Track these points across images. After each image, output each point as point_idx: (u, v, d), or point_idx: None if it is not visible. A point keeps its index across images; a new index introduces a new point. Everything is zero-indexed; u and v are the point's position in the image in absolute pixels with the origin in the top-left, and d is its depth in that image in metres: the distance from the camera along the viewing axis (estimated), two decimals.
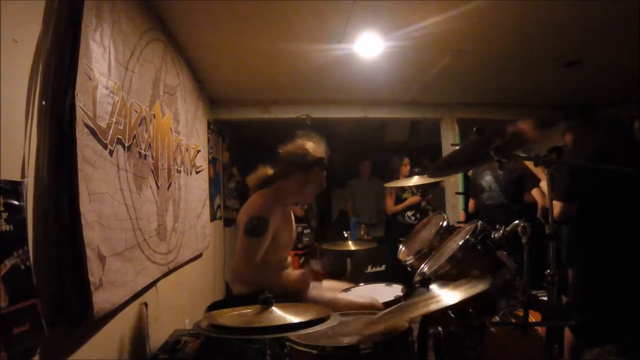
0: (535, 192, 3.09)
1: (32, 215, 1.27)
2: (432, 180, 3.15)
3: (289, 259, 2.35)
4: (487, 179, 3.75)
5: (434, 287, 1.41)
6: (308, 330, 1.29)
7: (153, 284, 2.30)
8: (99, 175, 1.59)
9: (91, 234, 1.49)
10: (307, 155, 2.14)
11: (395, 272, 3.59)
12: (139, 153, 2.05)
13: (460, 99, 4.72)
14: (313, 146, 2.19)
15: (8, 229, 1.10)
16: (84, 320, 1.44)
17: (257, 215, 2.02)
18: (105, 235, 1.62)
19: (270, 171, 2.26)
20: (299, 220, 4.81)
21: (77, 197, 1.40)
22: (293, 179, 2.16)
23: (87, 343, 1.58)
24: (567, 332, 2.43)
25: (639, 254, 2.11)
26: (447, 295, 1.29)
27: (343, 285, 2.54)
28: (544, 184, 2.83)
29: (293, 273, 1.99)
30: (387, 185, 4.26)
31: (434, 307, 1.23)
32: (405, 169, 4.85)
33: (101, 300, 1.53)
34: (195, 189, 3.31)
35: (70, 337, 1.48)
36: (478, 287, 1.22)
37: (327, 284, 2.39)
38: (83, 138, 1.47)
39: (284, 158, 2.18)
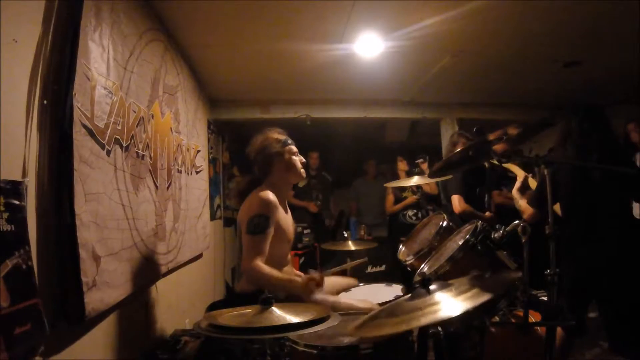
0: (453, 198, 3.30)
1: (34, 215, 1.28)
2: (432, 180, 3.16)
3: (289, 257, 2.36)
4: (440, 185, 4.06)
5: (434, 291, 1.32)
6: (308, 330, 1.29)
7: (151, 283, 2.30)
8: (96, 175, 1.58)
9: (86, 234, 1.48)
10: (272, 142, 2.25)
11: (396, 272, 3.63)
12: (137, 153, 2.05)
13: (460, 99, 4.72)
14: (272, 133, 2.30)
15: (9, 228, 1.10)
16: (82, 320, 1.44)
17: (257, 213, 2.04)
18: (101, 235, 1.62)
19: (249, 178, 2.31)
20: (299, 220, 4.83)
21: (73, 198, 1.40)
22: (275, 168, 2.23)
23: (85, 342, 1.58)
24: (559, 332, 2.43)
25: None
26: (446, 305, 1.19)
27: (343, 280, 2.54)
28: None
29: (297, 281, 2.01)
30: (387, 185, 4.26)
31: (430, 318, 1.17)
32: (402, 165, 4.84)
33: (94, 300, 1.51)
34: (195, 189, 3.31)
35: (68, 336, 1.48)
36: (483, 297, 1.18)
37: (327, 279, 2.38)
38: (80, 138, 1.47)
39: (258, 157, 2.26)
